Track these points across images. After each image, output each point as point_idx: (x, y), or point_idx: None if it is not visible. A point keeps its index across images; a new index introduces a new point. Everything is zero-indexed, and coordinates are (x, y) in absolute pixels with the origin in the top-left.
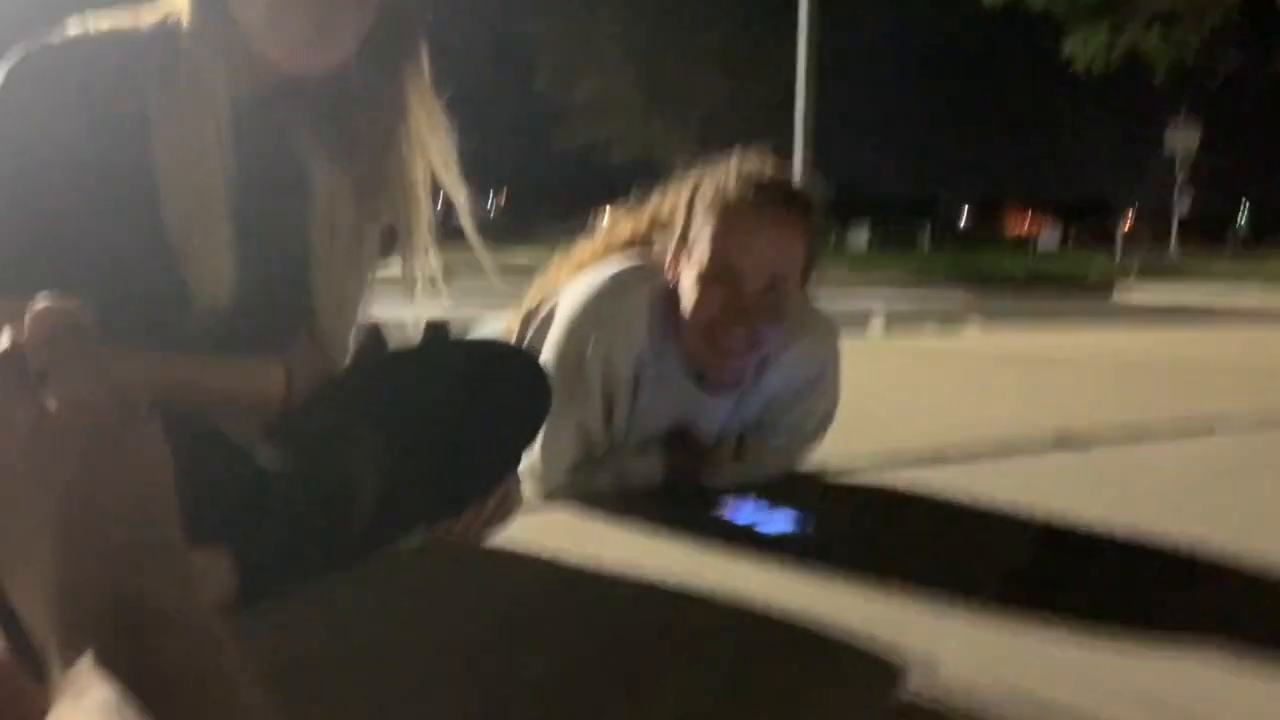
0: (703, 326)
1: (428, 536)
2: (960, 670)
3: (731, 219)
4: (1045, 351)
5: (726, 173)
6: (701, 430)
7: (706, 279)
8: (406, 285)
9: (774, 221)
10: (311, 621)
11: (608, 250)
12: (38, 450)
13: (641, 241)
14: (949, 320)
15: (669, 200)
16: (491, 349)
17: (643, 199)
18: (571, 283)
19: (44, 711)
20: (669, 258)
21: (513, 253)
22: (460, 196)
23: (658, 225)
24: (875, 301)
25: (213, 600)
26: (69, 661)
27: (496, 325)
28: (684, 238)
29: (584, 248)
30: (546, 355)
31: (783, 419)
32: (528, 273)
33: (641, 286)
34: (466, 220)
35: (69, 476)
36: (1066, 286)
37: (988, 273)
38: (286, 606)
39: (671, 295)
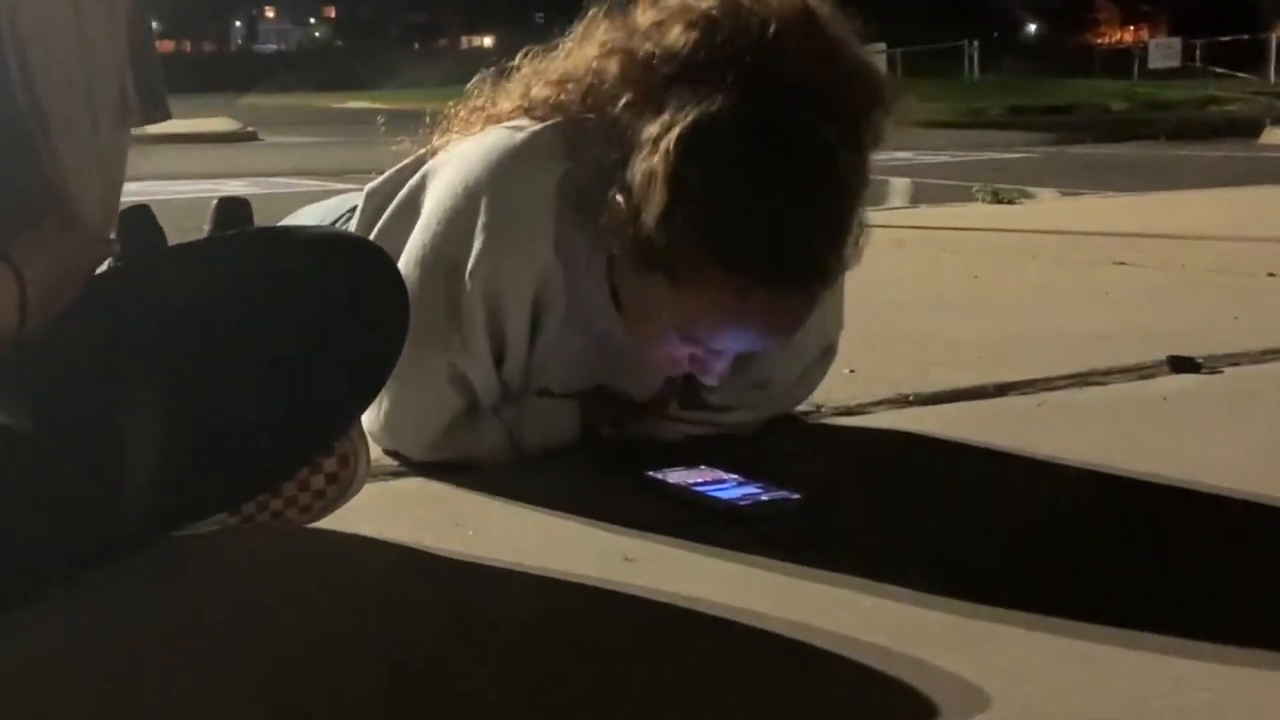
0: (650, 347)
1: (232, 519)
2: (1018, 704)
3: (729, 301)
4: (1156, 225)
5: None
6: (635, 390)
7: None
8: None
9: (797, 304)
10: (69, 622)
11: (504, 112)
12: None
13: (556, 108)
14: (1008, 181)
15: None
16: (320, 242)
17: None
18: (447, 152)
19: None
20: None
21: (344, 95)
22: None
23: (588, 95)
24: (896, 156)
25: None
26: None
27: (329, 207)
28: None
29: (469, 104)
30: (405, 263)
31: (758, 358)
32: (363, 123)
33: (553, 171)
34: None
35: None
36: (1190, 124)
37: (1067, 107)
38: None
39: (600, 198)
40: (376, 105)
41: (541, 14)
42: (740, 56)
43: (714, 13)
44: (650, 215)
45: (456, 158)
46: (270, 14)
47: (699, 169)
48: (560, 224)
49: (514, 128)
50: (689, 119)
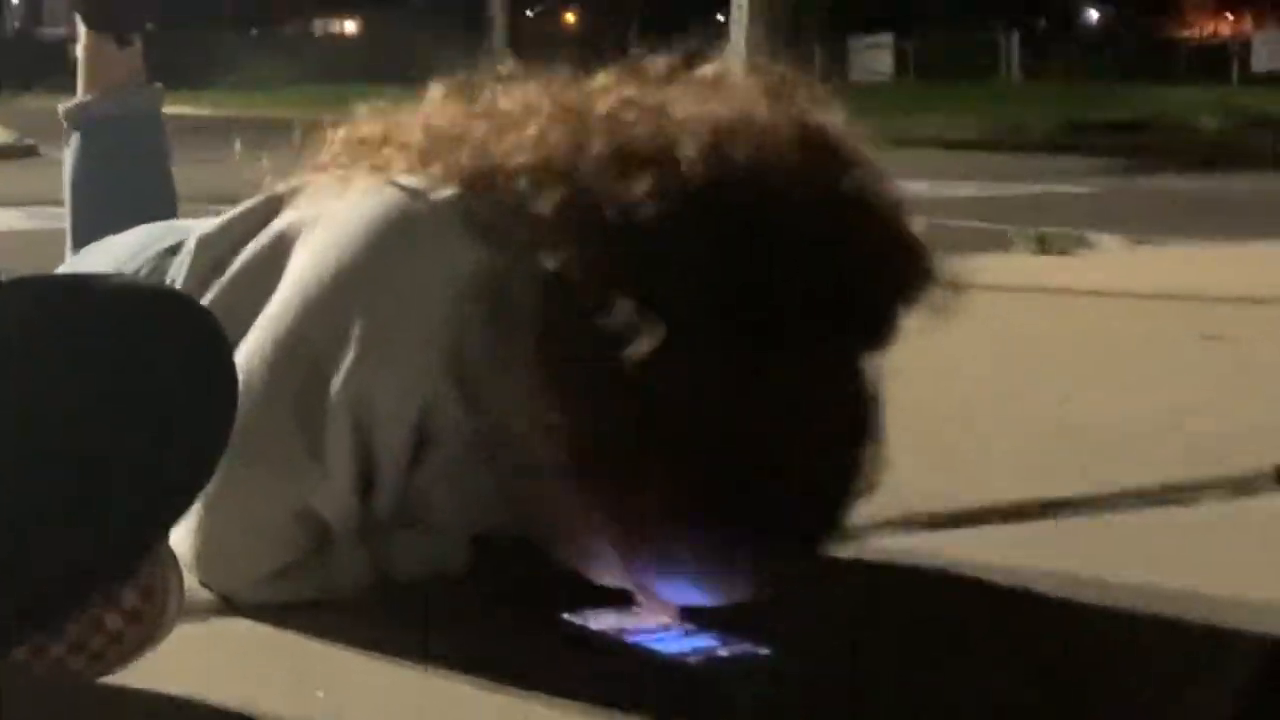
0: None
1: None
2: None
3: (684, 562)
4: (1262, 285)
5: None
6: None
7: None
8: None
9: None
10: None
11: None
12: None
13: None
14: (1059, 224)
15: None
16: (125, 297)
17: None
18: (314, 205)
19: None
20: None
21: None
22: None
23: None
24: (909, 188)
25: None
26: None
27: (132, 243)
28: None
29: (355, 131)
30: (249, 354)
31: None
32: (185, 132)
33: (459, 258)
34: None
35: None
36: None
37: (1141, 123)
38: None
39: (525, 300)
40: (200, 111)
41: None
42: (733, 237)
43: (700, 169)
44: (585, 446)
45: (329, 222)
46: None
47: (665, 402)
48: (465, 329)
49: (409, 190)
50: (654, 336)
